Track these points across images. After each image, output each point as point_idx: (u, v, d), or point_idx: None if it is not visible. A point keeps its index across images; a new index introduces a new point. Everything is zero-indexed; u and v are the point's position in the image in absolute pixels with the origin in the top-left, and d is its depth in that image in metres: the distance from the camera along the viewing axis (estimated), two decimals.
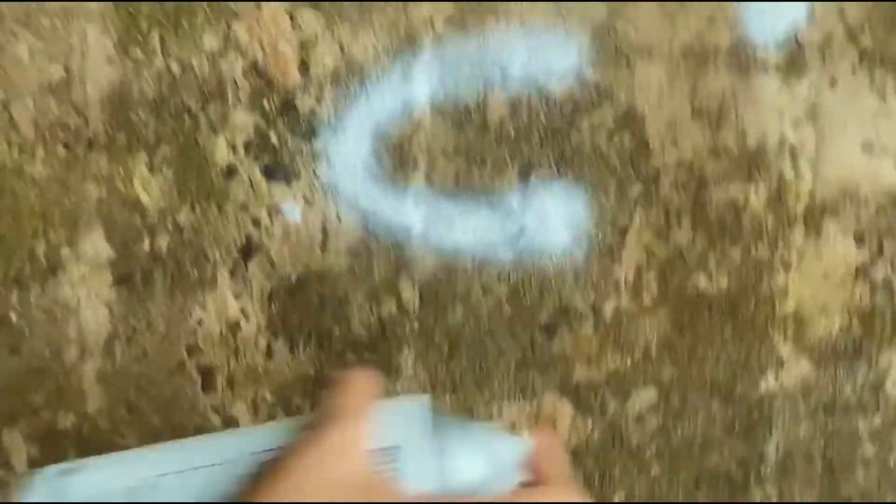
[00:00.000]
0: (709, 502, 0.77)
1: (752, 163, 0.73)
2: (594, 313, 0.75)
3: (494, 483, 0.36)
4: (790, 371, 0.75)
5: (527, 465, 0.38)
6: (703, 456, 0.77)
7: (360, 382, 0.37)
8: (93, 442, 0.89)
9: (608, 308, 0.75)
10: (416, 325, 0.81)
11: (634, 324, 0.75)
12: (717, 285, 0.76)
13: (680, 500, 0.79)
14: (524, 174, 0.76)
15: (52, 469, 0.37)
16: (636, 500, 0.80)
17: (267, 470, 0.34)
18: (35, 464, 0.91)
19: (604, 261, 0.75)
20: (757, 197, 0.74)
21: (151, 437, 0.91)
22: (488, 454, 0.37)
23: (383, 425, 0.34)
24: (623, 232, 0.72)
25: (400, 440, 0.35)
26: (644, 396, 0.77)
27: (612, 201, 0.79)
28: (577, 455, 0.79)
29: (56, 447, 0.89)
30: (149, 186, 0.82)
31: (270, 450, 0.35)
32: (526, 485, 0.38)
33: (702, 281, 0.74)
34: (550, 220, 0.81)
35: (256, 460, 0.35)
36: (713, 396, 0.76)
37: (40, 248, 0.85)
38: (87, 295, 0.86)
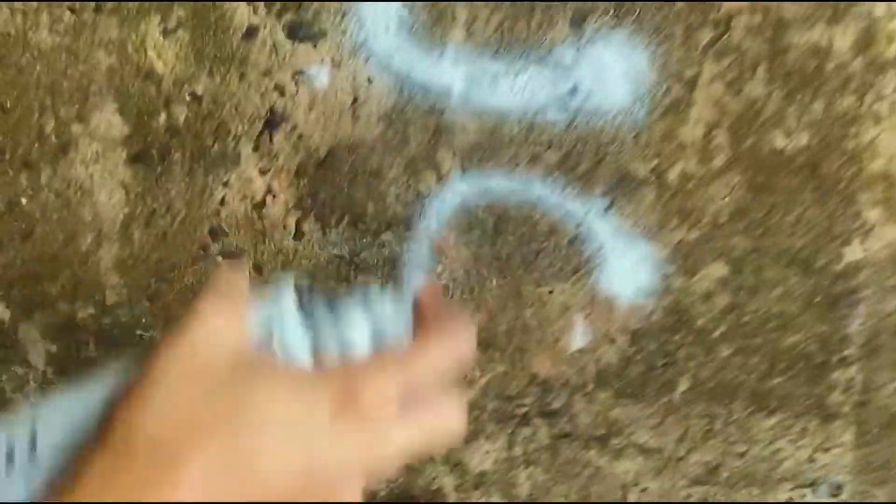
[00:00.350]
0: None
1: (836, 1, 0.65)
2: (657, 180, 0.69)
3: (383, 340, 0.39)
4: (878, 238, 0.69)
5: (409, 318, 0.41)
6: (779, 336, 0.71)
7: (227, 276, 0.40)
8: (114, 335, 0.83)
9: (673, 173, 0.68)
10: (457, 199, 0.74)
11: (702, 190, 0.69)
12: (797, 143, 0.81)
13: (752, 385, 0.72)
14: (578, 22, 0.69)
15: None
16: (701, 385, 0.74)
17: (143, 366, 0.36)
18: (54, 360, 0.86)
19: (668, 120, 0.69)
20: (843, 40, 0.65)
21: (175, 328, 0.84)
22: (364, 313, 0.40)
23: (253, 309, 0.39)
24: (690, 86, 0.69)
25: (271, 318, 0.39)
26: (713, 271, 0.70)
27: (678, 50, 0.78)
28: (636, 338, 0.72)
29: (75, 342, 0.84)
30: (163, 52, 0.75)
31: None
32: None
33: (779, 139, 0.68)
34: (608, 74, 0.83)
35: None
36: (791, 269, 0.70)
37: (49, 125, 0.79)
38: (100, 174, 0.79)
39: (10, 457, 0.35)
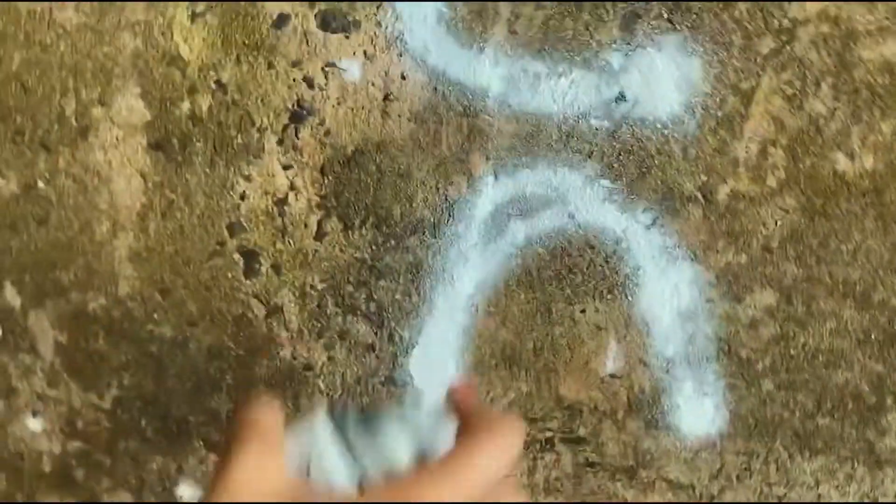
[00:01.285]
0: None
1: None
2: (705, 198, 0.65)
3: (425, 451, 0.39)
4: None
5: (452, 420, 0.41)
6: (829, 373, 0.68)
7: (260, 416, 0.42)
8: (124, 329, 0.82)
9: (723, 191, 0.65)
10: (488, 206, 0.71)
11: (754, 211, 0.66)
12: (860, 166, 0.74)
13: (796, 423, 0.68)
14: (628, 24, 0.66)
15: None
16: (741, 420, 0.70)
17: None
18: (62, 351, 0.86)
19: (720, 134, 0.66)
20: None
21: (187, 325, 0.85)
22: (402, 427, 0.40)
23: (291, 443, 0.40)
24: (747, 98, 0.66)
25: (308, 448, 0.40)
26: (760, 298, 0.67)
27: (736, 60, 0.74)
28: (673, 365, 0.69)
29: (85, 332, 0.83)
30: (190, 37, 0.74)
31: None
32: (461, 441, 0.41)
33: (841, 160, 0.65)
34: (658, 82, 0.76)
35: None
36: (845, 302, 0.66)
37: (70, 107, 0.78)
38: (119, 161, 0.78)
39: None
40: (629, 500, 0.83)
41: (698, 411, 0.80)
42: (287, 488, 0.38)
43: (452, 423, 0.40)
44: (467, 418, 0.41)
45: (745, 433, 0.81)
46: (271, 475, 0.38)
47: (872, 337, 0.77)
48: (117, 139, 0.84)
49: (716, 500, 0.80)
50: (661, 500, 0.82)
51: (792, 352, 0.78)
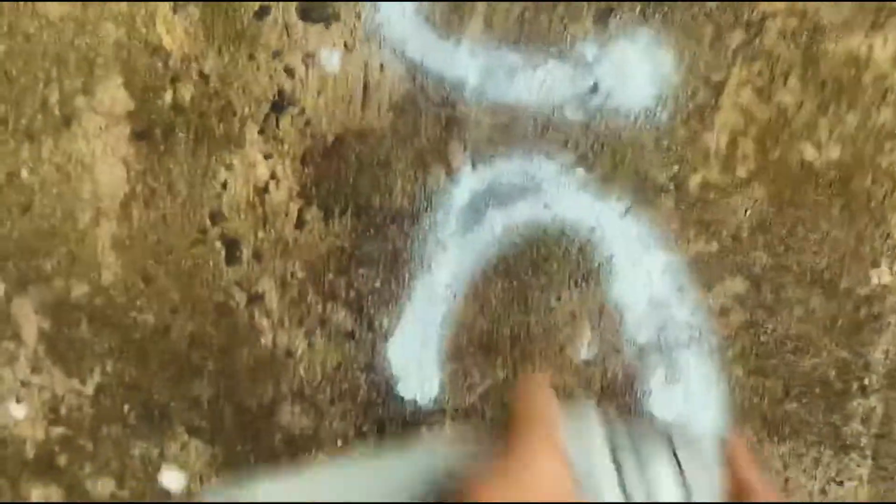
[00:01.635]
0: None
1: (879, 7, 0.63)
2: (676, 188, 0.67)
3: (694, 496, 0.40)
4: None
5: (722, 473, 0.42)
6: (797, 359, 0.70)
7: (540, 400, 0.42)
8: (107, 316, 0.84)
9: (694, 181, 0.68)
10: (466, 196, 0.73)
11: (724, 201, 0.68)
12: (827, 157, 0.76)
13: (765, 409, 0.71)
14: (602, 18, 0.68)
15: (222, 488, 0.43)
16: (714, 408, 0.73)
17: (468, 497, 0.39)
18: (45, 338, 0.87)
19: (692, 125, 0.68)
20: (883, 50, 0.64)
21: (169, 313, 0.87)
22: (672, 468, 0.40)
23: (569, 447, 0.40)
24: (717, 90, 0.68)
25: (583, 459, 0.40)
26: (730, 286, 0.69)
27: (706, 53, 0.76)
28: (645, 352, 0.72)
29: (68, 319, 0.85)
30: (172, 28, 0.76)
31: (453, 474, 0.40)
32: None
33: (808, 151, 0.67)
34: (630, 74, 0.84)
35: (442, 487, 0.40)
36: (813, 289, 0.69)
37: (53, 97, 0.80)
38: (102, 150, 0.80)
39: None
40: None
41: (670, 396, 0.82)
42: (565, 497, 0.38)
43: (719, 471, 0.41)
44: (736, 473, 0.42)
45: (715, 419, 0.83)
46: (554, 482, 0.38)
47: (839, 324, 0.79)
48: (100, 128, 0.85)
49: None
50: None
51: (761, 339, 0.81)
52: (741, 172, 0.76)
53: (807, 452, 0.81)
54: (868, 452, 0.80)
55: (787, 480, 0.81)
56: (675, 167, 0.78)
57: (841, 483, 0.81)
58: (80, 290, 0.90)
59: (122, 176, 0.86)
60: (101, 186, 0.87)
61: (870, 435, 0.79)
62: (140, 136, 0.85)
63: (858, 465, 0.80)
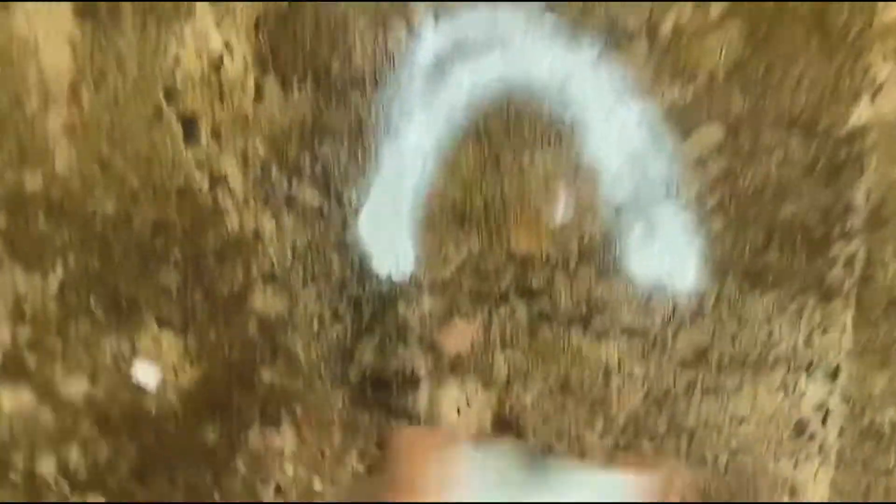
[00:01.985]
0: None
1: None
2: (648, 33, 0.64)
3: None
4: (889, 97, 0.66)
5: None
6: (777, 206, 0.68)
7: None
8: (64, 207, 0.80)
9: (666, 25, 0.64)
10: (429, 54, 0.70)
11: (698, 43, 0.65)
12: None
13: (746, 260, 0.69)
14: None
15: None
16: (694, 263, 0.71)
17: None
18: (1, 235, 0.83)
19: None
20: None
21: (129, 200, 0.83)
22: None
23: None
24: None
25: None
26: (707, 134, 0.66)
27: None
28: (622, 210, 0.69)
29: (24, 213, 0.81)
30: None
31: None
32: None
33: None
34: None
35: None
36: (792, 132, 0.66)
37: None
38: (45, 31, 0.75)
39: None
40: (584, 349, 0.84)
41: (649, 254, 0.80)
42: None
43: None
44: None
45: (696, 274, 0.82)
46: None
47: (819, 166, 0.77)
48: (41, 7, 0.81)
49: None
50: (616, 348, 0.84)
51: (740, 187, 0.79)
52: (714, 13, 0.72)
53: (790, 303, 0.80)
54: (852, 298, 0.79)
55: (770, 333, 0.81)
56: (647, 11, 0.75)
57: (826, 331, 0.80)
58: (34, 182, 0.87)
59: (69, 56, 0.82)
60: (47, 69, 0.83)
61: (853, 280, 0.78)
62: (84, 12, 0.81)
63: (842, 312, 0.79)
